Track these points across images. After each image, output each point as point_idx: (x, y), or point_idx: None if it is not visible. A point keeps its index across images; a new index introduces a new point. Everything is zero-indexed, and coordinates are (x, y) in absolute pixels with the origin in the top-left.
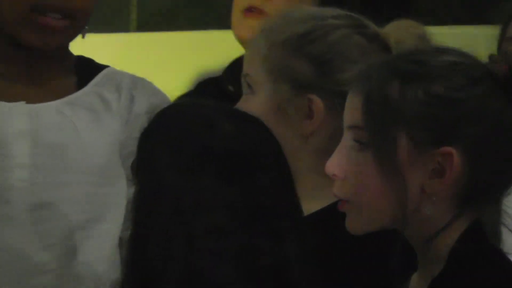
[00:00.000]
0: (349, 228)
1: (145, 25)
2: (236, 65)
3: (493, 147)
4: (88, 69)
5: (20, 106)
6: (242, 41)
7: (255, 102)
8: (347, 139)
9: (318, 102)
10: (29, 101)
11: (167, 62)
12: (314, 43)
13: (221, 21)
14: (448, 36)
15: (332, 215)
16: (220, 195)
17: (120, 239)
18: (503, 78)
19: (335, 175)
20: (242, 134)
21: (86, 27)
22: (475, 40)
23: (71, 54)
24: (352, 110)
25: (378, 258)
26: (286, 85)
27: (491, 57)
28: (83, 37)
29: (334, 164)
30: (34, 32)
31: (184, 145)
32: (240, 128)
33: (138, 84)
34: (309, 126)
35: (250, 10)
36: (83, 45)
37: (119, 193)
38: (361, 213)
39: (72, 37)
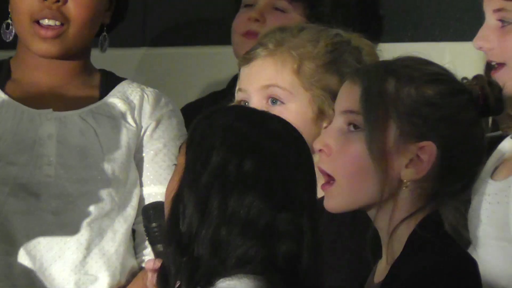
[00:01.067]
0: (328, 206)
1: (157, 40)
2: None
3: (462, 150)
4: (109, 81)
5: (48, 113)
6: None
7: (292, 111)
8: (338, 121)
9: None
10: (55, 108)
11: (178, 76)
12: (338, 57)
13: (228, 37)
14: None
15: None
16: (258, 176)
17: (133, 231)
18: (476, 96)
19: (323, 150)
20: (286, 131)
21: (105, 45)
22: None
23: (93, 67)
24: (349, 97)
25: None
26: (322, 92)
27: (464, 78)
28: (103, 51)
29: (322, 141)
30: (36, 41)
31: (233, 132)
32: (284, 125)
33: (151, 95)
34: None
35: (247, 34)
36: (104, 59)
37: (131, 192)
38: (343, 191)
39: (74, 44)
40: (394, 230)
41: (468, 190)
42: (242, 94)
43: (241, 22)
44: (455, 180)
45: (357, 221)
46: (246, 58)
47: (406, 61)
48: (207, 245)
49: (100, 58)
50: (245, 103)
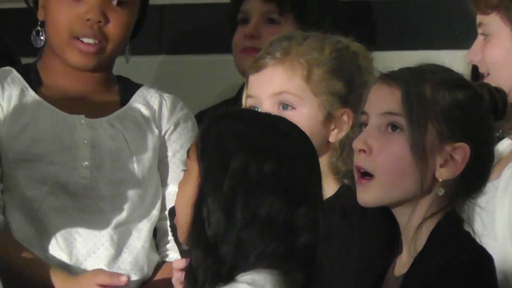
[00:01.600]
0: (363, 199)
1: (175, 48)
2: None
3: (486, 151)
4: (128, 88)
5: (81, 119)
6: (242, 73)
7: (303, 115)
8: (377, 122)
9: (350, 113)
10: (86, 115)
11: (193, 82)
12: (342, 63)
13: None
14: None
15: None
16: (276, 178)
17: (155, 229)
18: (488, 101)
19: (363, 150)
20: (297, 132)
21: (128, 55)
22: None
23: (113, 75)
24: (389, 100)
25: (372, 240)
26: (330, 97)
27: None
28: (127, 62)
29: (363, 141)
30: (74, 54)
31: (249, 136)
32: (293, 127)
33: (168, 100)
34: (338, 134)
35: (245, 50)
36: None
37: (157, 192)
38: (382, 187)
39: (108, 60)
40: (420, 225)
41: (482, 189)
42: (252, 100)
43: (238, 40)
44: (478, 180)
45: (366, 221)
46: (255, 67)
47: (431, 66)
48: (232, 245)
49: (119, 65)
50: (255, 109)
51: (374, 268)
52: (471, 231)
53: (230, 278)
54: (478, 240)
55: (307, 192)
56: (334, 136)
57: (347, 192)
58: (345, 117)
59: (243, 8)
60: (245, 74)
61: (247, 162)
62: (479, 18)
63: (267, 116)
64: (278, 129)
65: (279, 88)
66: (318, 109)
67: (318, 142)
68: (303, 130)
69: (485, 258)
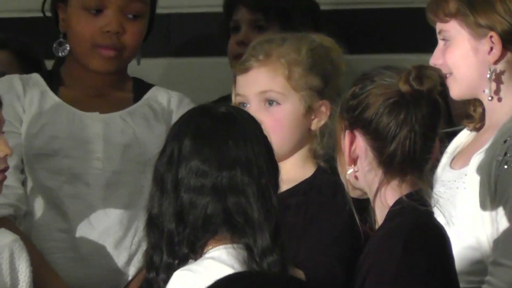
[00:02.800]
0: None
1: (181, 51)
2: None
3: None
4: (140, 87)
5: (96, 115)
6: None
7: (287, 109)
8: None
9: (327, 104)
10: (100, 111)
11: (197, 83)
12: (317, 60)
13: None
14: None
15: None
16: (237, 154)
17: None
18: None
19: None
20: (229, 113)
21: (139, 57)
22: None
23: (127, 75)
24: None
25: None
26: (309, 92)
27: None
28: (138, 64)
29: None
30: (96, 61)
31: (178, 125)
32: (246, 114)
33: (176, 97)
34: (318, 123)
35: (238, 56)
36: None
37: None
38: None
39: (125, 63)
40: (375, 201)
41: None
42: (240, 98)
43: (231, 47)
44: (392, 155)
45: (337, 198)
46: (242, 69)
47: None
48: (171, 216)
49: (131, 66)
50: (244, 105)
51: (343, 238)
52: (443, 216)
53: (192, 252)
54: (445, 222)
55: (229, 158)
56: (315, 125)
57: (323, 173)
58: (323, 108)
59: (234, 17)
60: None
61: (171, 145)
62: (439, 26)
63: (209, 108)
64: (207, 112)
65: (264, 87)
66: (300, 103)
67: (301, 132)
68: (289, 122)
69: (426, 233)
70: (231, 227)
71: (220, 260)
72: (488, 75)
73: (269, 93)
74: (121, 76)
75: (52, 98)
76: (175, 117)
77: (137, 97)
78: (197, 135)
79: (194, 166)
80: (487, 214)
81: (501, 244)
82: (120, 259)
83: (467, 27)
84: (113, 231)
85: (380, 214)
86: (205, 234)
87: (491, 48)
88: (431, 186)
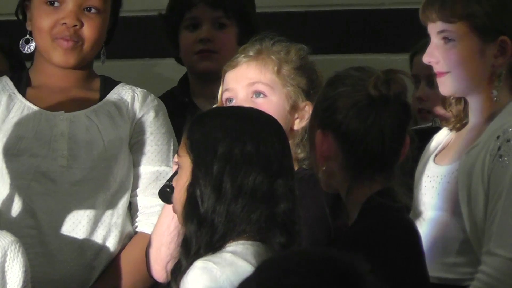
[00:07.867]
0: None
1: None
2: (187, 80)
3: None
4: (107, 84)
5: (61, 115)
6: (197, 74)
7: (273, 102)
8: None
9: (311, 106)
10: (66, 110)
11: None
12: (305, 64)
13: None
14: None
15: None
16: (256, 156)
17: (130, 203)
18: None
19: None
20: (267, 118)
21: (104, 58)
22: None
23: (94, 73)
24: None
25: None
26: (296, 89)
27: None
28: (102, 63)
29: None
30: (57, 53)
31: (229, 125)
32: (263, 114)
33: (140, 94)
34: (300, 123)
35: (202, 52)
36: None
37: (128, 172)
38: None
39: (85, 57)
40: (347, 199)
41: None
42: (228, 93)
43: (191, 44)
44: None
45: (316, 191)
46: (232, 65)
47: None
48: (223, 216)
49: (104, 68)
50: (230, 101)
51: (321, 228)
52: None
53: (221, 246)
54: (421, 213)
55: (283, 165)
56: (297, 125)
57: (303, 171)
58: (307, 108)
59: (191, 15)
60: (199, 74)
61: (232, 146)
62: (442, 26)
63: (239, 108)
64: (251, 116)
65: (253, 79)
66: (285, 98)
67: (285, 128)
68: (273, 115)
69: (397, 229)
70: (283, 233)
71: (240, 255)
72: (499, 77)
73: (257, 85)
74: (87, 74)
75: (20, 100)
76: (138, 113)
77: (103, 95)
78: (258, 141)
79: (254, 174)
80: (479, 208)
81: (495, 235)
82: (88, 254)
83: (476, 30)
84: (81, 226)
85: (352, 211)
86: (239, 234)
87: (498, 51)
88: (400, 183)
